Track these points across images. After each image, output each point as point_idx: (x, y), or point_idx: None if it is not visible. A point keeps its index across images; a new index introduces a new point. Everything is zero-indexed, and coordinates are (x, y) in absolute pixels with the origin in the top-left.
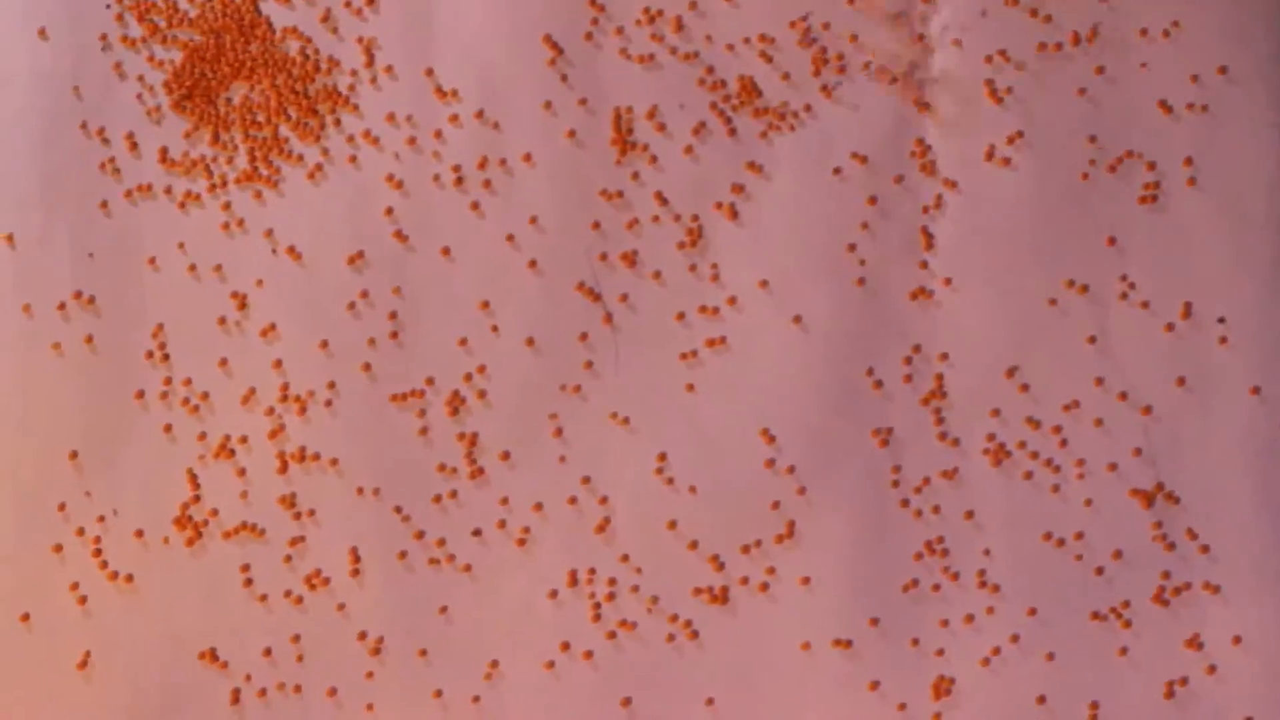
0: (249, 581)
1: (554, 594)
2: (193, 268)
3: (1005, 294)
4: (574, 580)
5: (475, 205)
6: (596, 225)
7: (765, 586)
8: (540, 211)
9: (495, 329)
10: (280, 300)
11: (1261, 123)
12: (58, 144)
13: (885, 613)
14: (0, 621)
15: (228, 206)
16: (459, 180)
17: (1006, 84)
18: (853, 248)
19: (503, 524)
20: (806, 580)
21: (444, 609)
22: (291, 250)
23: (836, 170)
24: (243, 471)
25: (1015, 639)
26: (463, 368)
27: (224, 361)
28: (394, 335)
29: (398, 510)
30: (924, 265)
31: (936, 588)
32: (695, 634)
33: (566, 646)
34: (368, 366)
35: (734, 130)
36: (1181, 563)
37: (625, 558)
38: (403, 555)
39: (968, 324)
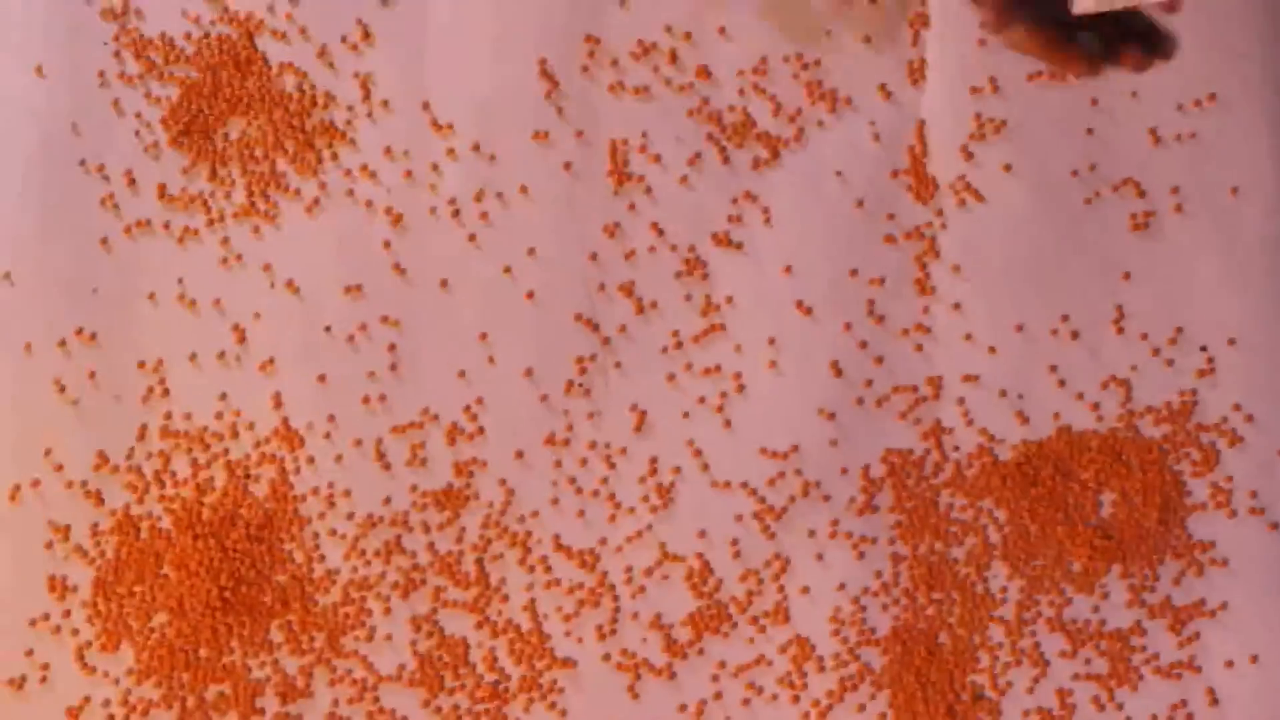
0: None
1: (559, 609)
2: (192, 302)
3: (1002, 322)
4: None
5: (472, 237)
6: (594, 257)
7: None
8: (538, 243)
9: (492, 360)
10: (278, 333)
11: (1254, 148)
12: (56, 181)
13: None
14: None
15: (226, 241)
16: (455, 213)
17: (998, 115)
18: (854, 273)
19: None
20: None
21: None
22: (290, 284)
23: (828, 197)
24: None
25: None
26: (462, 399)
27: (223, 396)
28: (393, 368)
29: (397, 540)
30: (923, 290)
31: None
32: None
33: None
34: (367, 399)
35: (728, 160)
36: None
37: (627, 580)
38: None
39: (966, 352)
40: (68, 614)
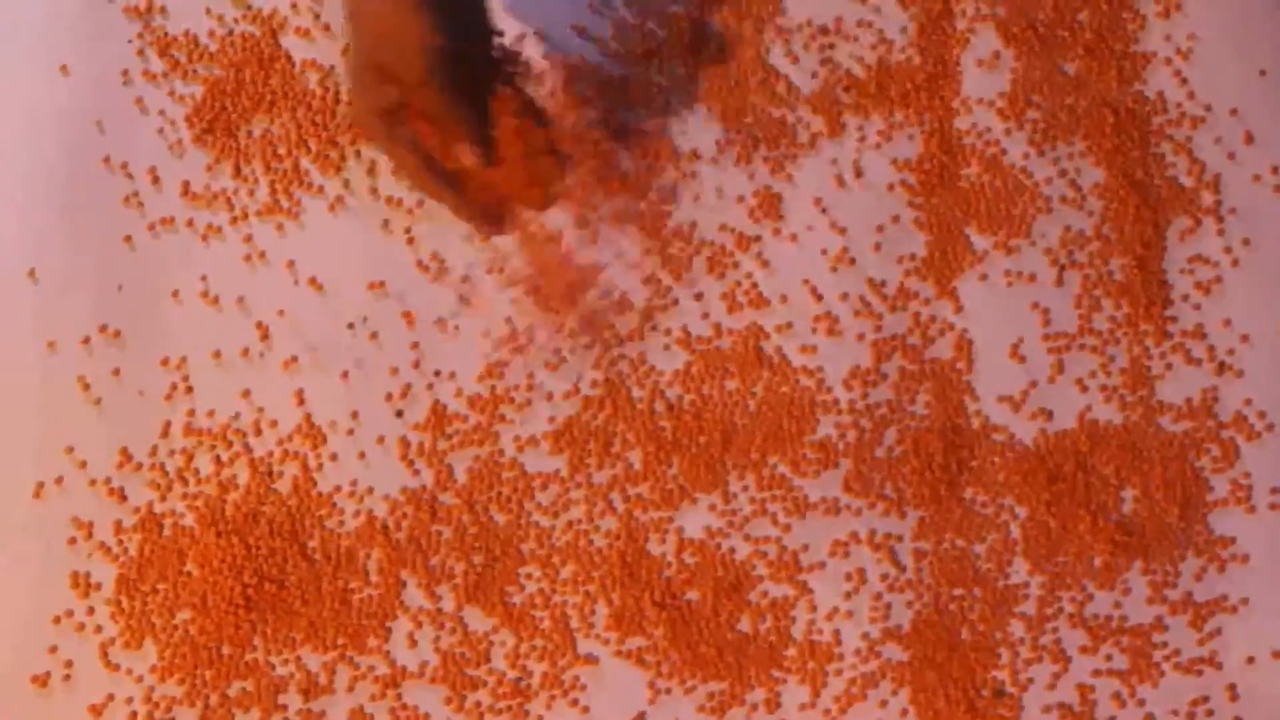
0: None
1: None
2: (215, 300)
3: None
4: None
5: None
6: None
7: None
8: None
9: (520, 351)
10: (301, 331)
11: None
12: (80, 179)
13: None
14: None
15: (249, 239)
16: None
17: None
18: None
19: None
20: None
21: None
22: (313, 281)
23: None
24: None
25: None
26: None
27: (246, 393)
28: (415, 365)
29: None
30: (942, 293)
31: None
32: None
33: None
34: (390, 396)
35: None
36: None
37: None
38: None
39: (989, 347)
40: (91, 611)
